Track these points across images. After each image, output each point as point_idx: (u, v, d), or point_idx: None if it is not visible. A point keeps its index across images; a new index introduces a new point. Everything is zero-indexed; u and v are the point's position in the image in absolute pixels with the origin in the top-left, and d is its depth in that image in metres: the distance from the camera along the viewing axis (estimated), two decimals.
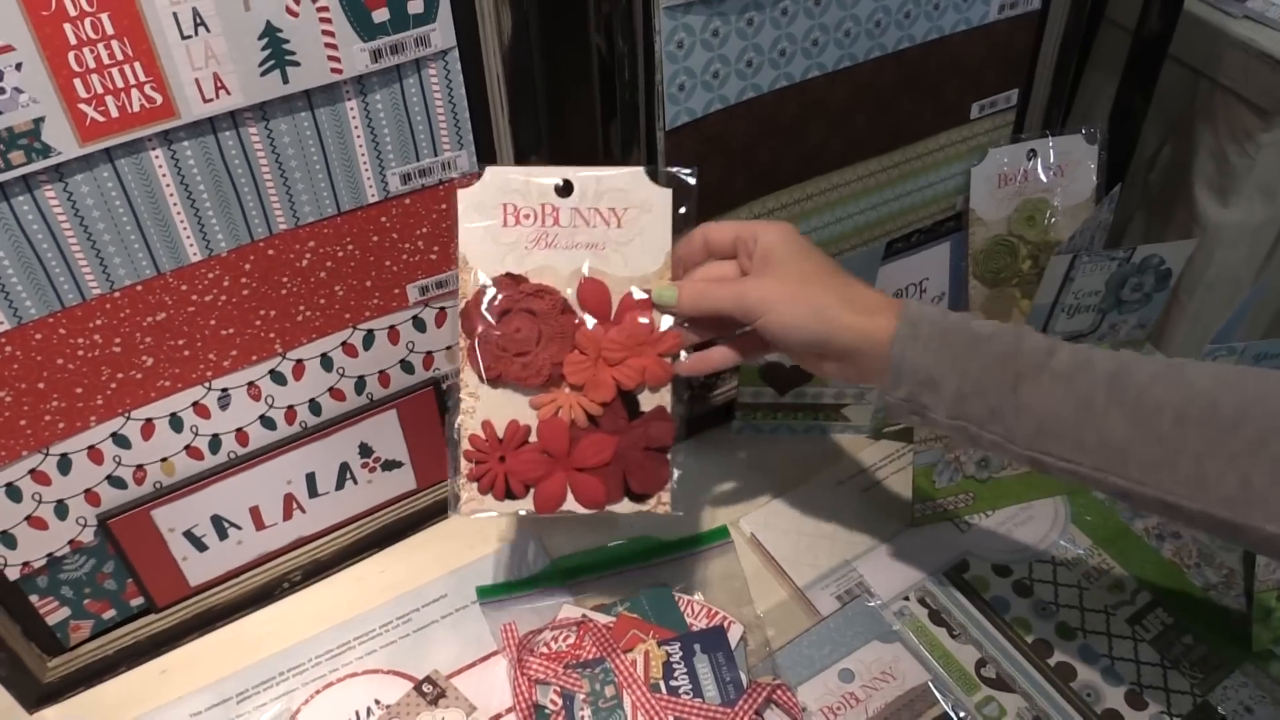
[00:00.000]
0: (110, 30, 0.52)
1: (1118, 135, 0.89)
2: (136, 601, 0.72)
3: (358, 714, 0.68)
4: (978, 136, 0.86)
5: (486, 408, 0.62)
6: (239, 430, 0.69)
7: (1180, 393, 0.53)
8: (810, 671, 0.70)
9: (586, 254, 0.62)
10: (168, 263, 0.61)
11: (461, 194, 0.61)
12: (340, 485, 0.75)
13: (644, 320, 0.62)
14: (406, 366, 0.73)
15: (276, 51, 0.57)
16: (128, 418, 0.64)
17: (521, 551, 0.77)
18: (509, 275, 0.62)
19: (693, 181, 0.62)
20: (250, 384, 0.67)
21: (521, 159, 0.68)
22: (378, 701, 0.68)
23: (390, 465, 0.76)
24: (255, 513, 0.72)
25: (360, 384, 0.72)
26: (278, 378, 0.68)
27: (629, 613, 0.71)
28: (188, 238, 0.60)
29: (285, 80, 0.58)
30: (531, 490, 0.63)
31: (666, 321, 0.62)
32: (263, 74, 0.57)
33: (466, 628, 0.72)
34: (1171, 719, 0.68)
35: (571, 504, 0.63)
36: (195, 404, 0.66)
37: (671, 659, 0.68)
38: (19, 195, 0.54)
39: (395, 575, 0.76)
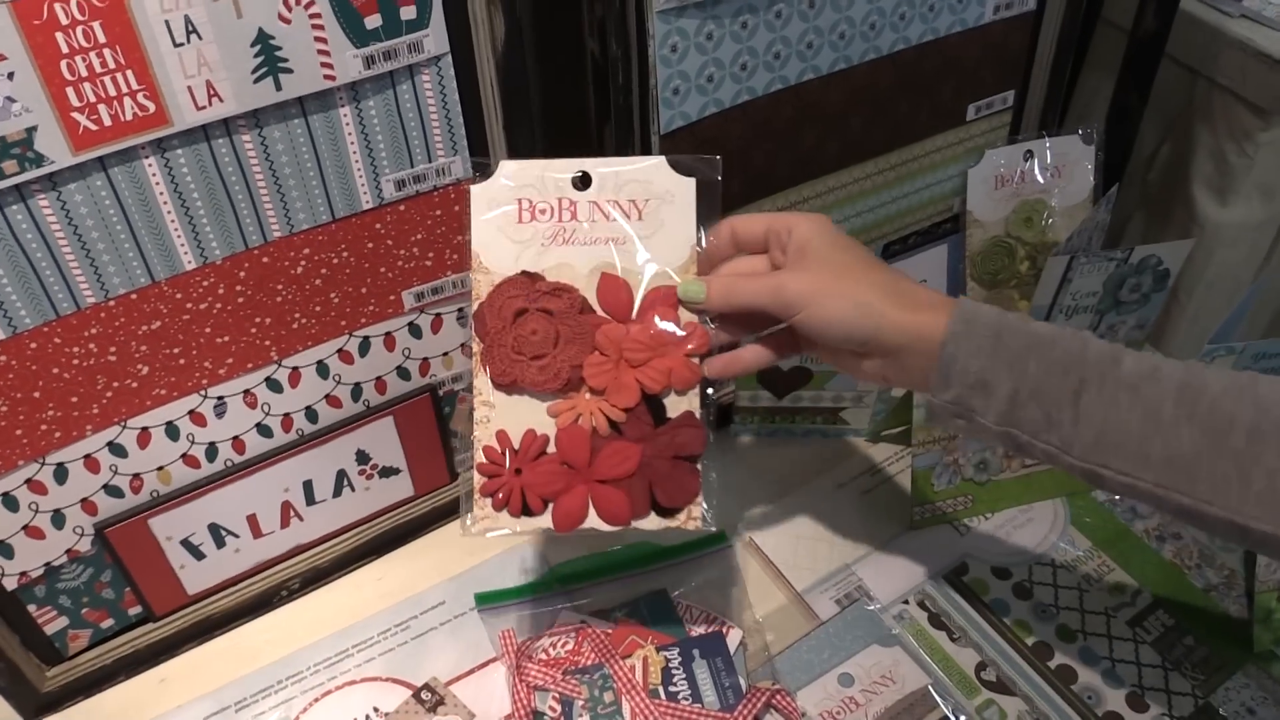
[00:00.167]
0: (102, 38, 0.52)
1: (1115, 135, 0.89)
2: (135, 610, 0.72)
3: None
4: (974, 138, 0.86)
5: (501, 416, 0.59)
6: (235, 438, 0.69)
7: (1253, 406, 0.50)
8: (809, 676, 0.70)
9: (606, 249, 0.59)
10: (162, 271, 0.61)
11: (474, 189, 0.59)
12: (338, 492, 0.75)
13: (669, 319, 0.59)
14: (403, 373, 0.73)
15: (269, 59, 0.57)
16: (124, 426, 0.64)
17: (520, 558, 0.77)
18: (524, 273, 0.59)
19: (718, 177, 0.59)
20: (246, 392, 0.67)
21: None
22: (376, 709, 0.68)
23: (388, 472, 0.76)
24: (253, 521, 0.72)
25: (357, 391, 0.72)
26: (274, 385, 0.68)
27: (627, 618, 0.71)
28: (182, 246, 0.60)
29: (278, 87, 0.58)
30: (550, 505, 0.59)
31: (692, 319, 0.59)
32: (255, 81, 0.57)
33: (465, 634, 0.72)
34: None
35: (593, 520, 0.59)
36: (191, 412, 0.66)
37: (670, 664, 0.68)
38: (12, 205, 0.54)
39: (393, 582, 0.76)
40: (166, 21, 0.53)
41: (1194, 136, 0.95)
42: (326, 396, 0.71)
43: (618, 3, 0.62)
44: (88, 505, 0.65)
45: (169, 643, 0.72)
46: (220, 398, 0.67)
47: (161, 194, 0.58)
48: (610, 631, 0.70)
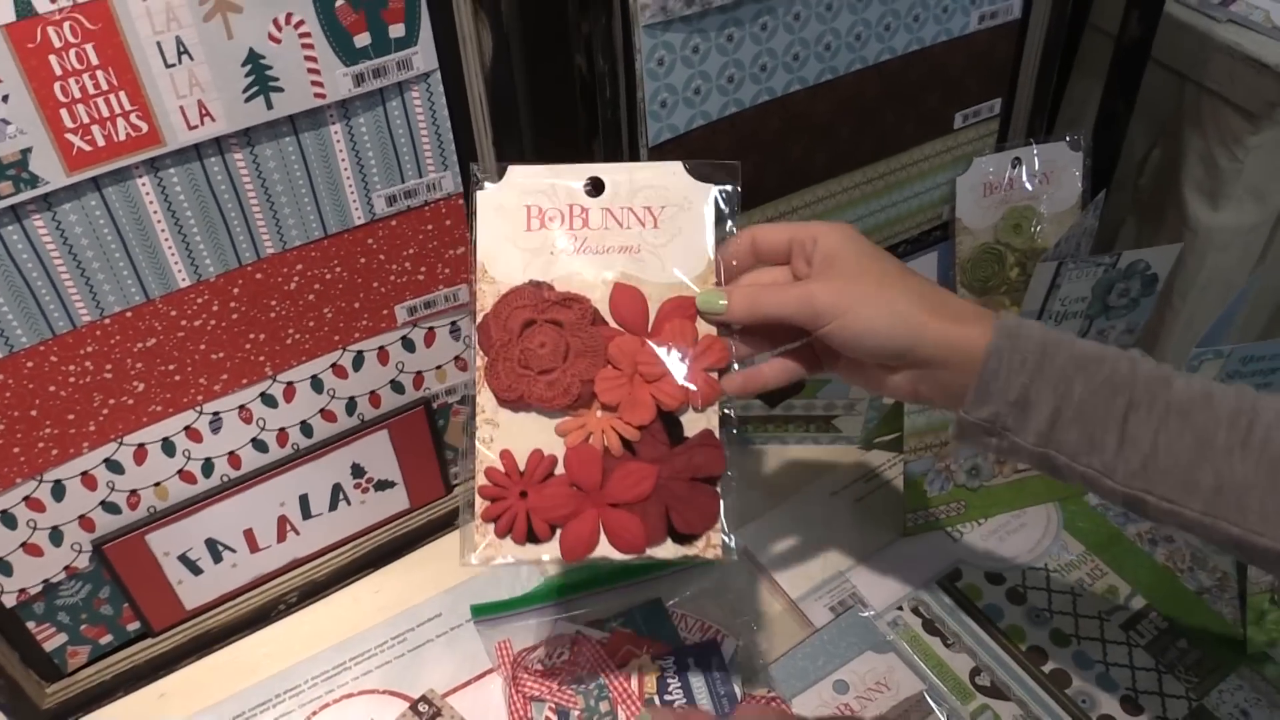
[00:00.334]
0: (95, 61, 0.53)
1: (1102, 141, 0.89)
2: (133, 626, 0.72)
3: None
4: (962, 146, 0.86)
5: (506, 435, 0.55)
6: (231, 453, 0.69)
7: None
8: (804, 683, 0.70)
9: (619, 258, 0.56)
10: (157, 289, 0.61)
11: (480, 196, 0.57)
12: (334, 506, 0.75)
13: (686, 331, 0.56)
14: (397, 387, 0.74)
15: (260, 78, 0.57)
16: (120, 443, 0.65)
17: (515, 569, 0.77)
18: (533, 283, 0.56)
19: (737, 183, 0.57)
20: (241, 407, 0.68)
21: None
22: None
23: (383, 485, 0.77)
24: (249, 535, 0.73)
25: (351, 405, 0.73)
26: (269, 400, 0.69)
27: (622, 628, 0.72)
28: (176, 264, 0.61)
29: (269, 106, 0.58)
30: (558, 532, 0.55)
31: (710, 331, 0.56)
32: (247, 100, 0.58)
33: (461, 646, 0.73)
34: None
35: (605, 548, 0.55)
36: (187, 428, 0.67)
37: (665, 673, 0.68)
38: (8, 225, 0.55)
39: (390, 595, 0.77)
40: (158, 43, 0.54)
41: (1184, 141, 0.95)
42: (321, 411, 0.71)
43: (604, 18, 0.63)
44: (85, 522, 0.66)
45: (167, 658, 0.72)
46: (216, 413, 0.67)
47: (155, 213, 0.59)
48: (605, 641, 0.70)
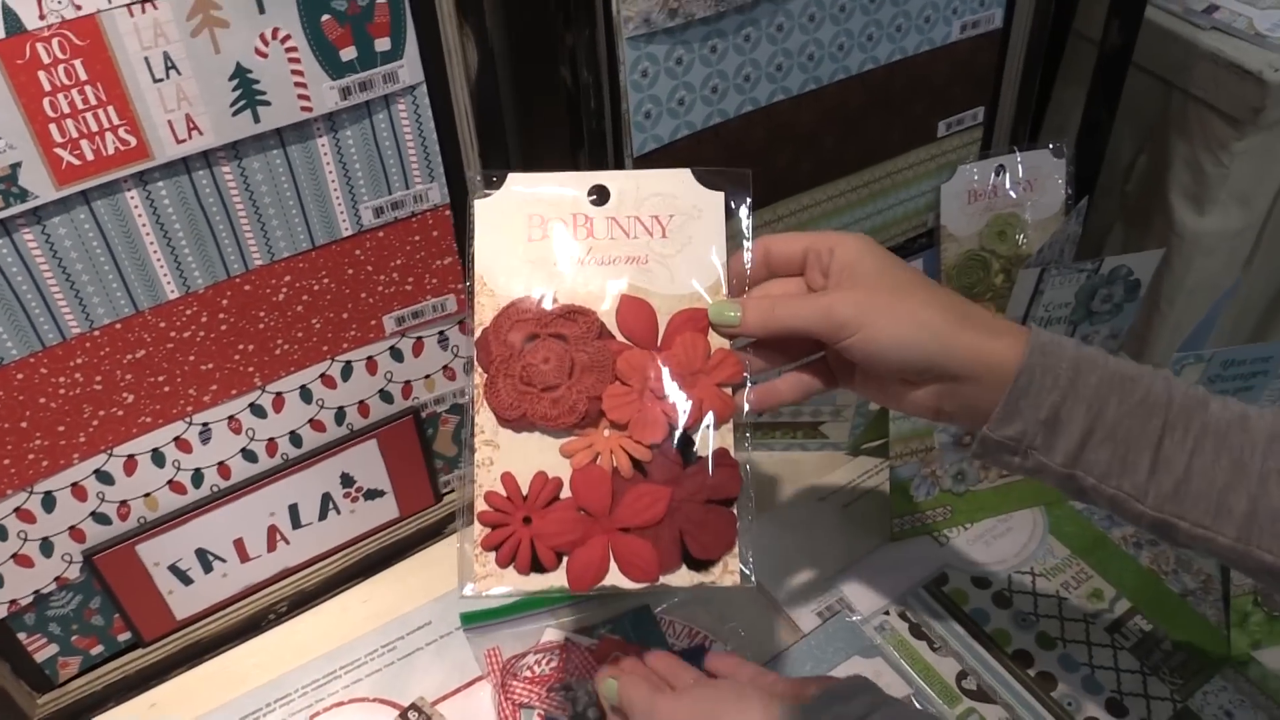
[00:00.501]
0: (84, 76, 0.53)
1: (1085, 148, 0.90)
2: (124, 636, 0.72)
3: None
4: (946, 154, 0.87)
5: (507, 457, 0.52)
6: (221, 464, 0.70)
7: None
8: None
9: (627, 269, 0.54)
10: (146, 301, 0.62)
11: (479, 204, 0.54)
12: (323, 516, 0.76)
13: (698, 345, 0.53)
14: (385, 396, 0.74)
15: (247, 92, 0.58)
16: (110, 454, 0.65)
17: None
18: (535, 296, 0.54)
19: (748, 190, 0.55)
20: (231, 418, 0.68)
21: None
22: None
23: (372, 494, 0.77)
24: (239, 545, 0.73)
25: (340, 415, 0.73)
26: (258, 411, 0.69)
27: (611, 635, 0.72)
28: (165, 276, 0.62)
29: (256, 119, 0.59)
30: (564, 559, 0.52)
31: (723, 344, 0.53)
32: (234, 114, 0.58)
33: (451, 654, 0.73)
34: None
35: (615, 576, 0.52)
36: (177, 439, 0.67)
37: None
38: None
39: (380, 604, 0.77)
40: (146, 58, 0.54)
41: (1170, 147, 0.96)
42: (310, 421, 0.72)
43: (587, 31, 0.63)
44: (76, 533, 0.66)
45: (158, 668, 0.73)
46: (205, 424, 0.68)
47: (144, 225, 0.59)
48: (594, 648, 0.71)
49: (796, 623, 0.75)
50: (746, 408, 0.54)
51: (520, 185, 0.55)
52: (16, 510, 0.63)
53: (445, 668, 0.72)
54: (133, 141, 0.56)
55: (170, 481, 0.68)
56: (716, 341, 0.54)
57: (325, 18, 0.58)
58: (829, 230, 0.57)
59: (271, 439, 0.71)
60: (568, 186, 0.55)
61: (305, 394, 0.71)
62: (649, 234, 0.55)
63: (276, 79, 0.58)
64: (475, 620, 0.74)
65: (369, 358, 0.72)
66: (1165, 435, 0.49)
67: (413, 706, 0.70)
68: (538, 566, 0.52)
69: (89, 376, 0.62)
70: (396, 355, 0.73)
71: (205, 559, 0.72)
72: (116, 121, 0.55)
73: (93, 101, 0.54)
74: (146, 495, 0.68)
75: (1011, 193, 0.88)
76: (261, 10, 0.56)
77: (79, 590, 0.69)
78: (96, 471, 0.65)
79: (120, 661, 0.73)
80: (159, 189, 0.59)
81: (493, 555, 0.52)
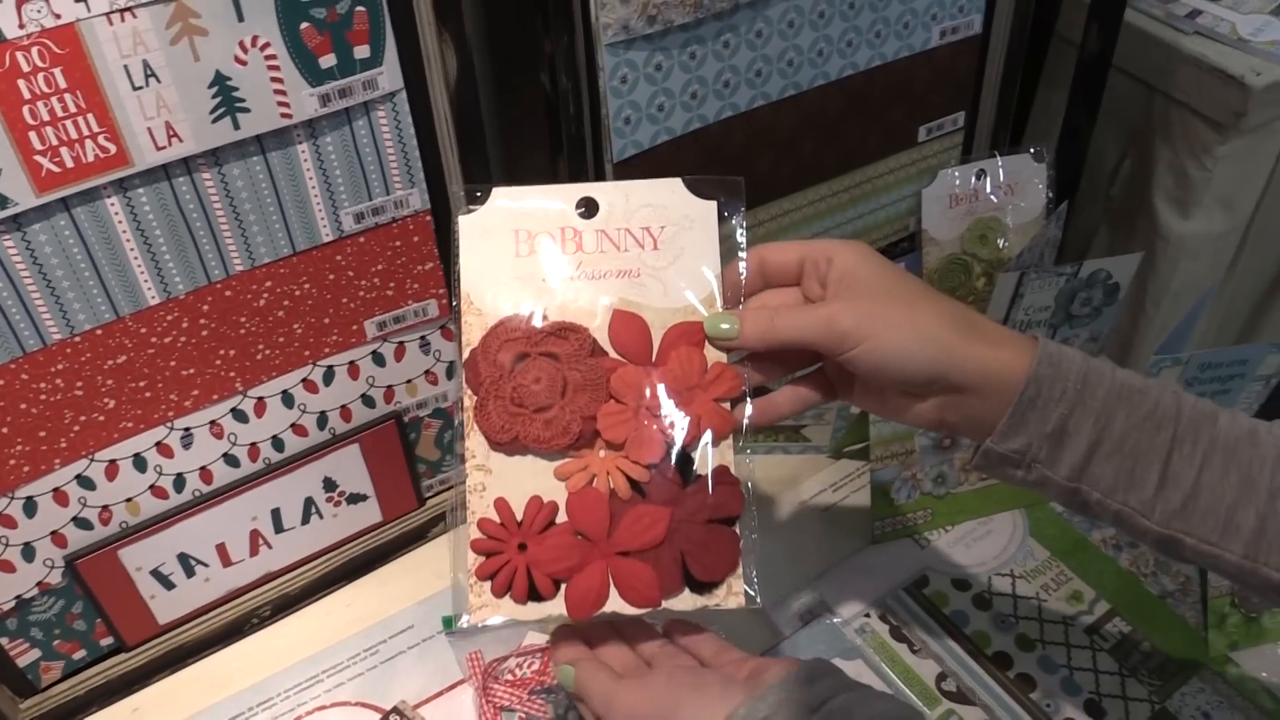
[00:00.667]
0: (63, 84, 0.53)
1: (1066, 153, 0.91)
2: (106, 641, 0.73)
3: None
4: (927, 159, 0.88)
5: (500, 483, 0.51)
6: (203, 469, 0.70)
7: None
8: None
9: (618, 283, 0.53)
10: (126, 306, 0.62)
11: (463, 220, 0.53)
12: (306, 520, 0.76)
13: (694, 359, 0.52)
14: (368, 401, 0.75)
15: (226, 99, 0.58)
16: (91, 459, 0.65)
17: None
18: (524, 314, 0.53)
19: (741, 199, 0.53)
20: (212, 423, 0.69)
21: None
22: None
23: (355, 499, 0.78)
24: (222, 550, 0.73)
25: (322, 419, 0.73)
26: (240, 416, 0.69)
27: None
28: (145, 282, 0.62)
29: (236, 126, 0.59)
30: (562, 587, 0.50)
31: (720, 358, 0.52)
32: (214, 121, 0.58)
33: (433, 658, 0.73)
34: None
35: (616, 602, 0.50)
36: (158, 444, 0.67)
37: None
38: None
39: (363, 608, 0.77)
40: (125, 66, 0.55)
41: (1154, 151, 0.97)
42: (292, 425, 0.72)
43: (566, 37, 0.64)
44: (57, 538, 0.67)
45: (141, 673, 0.73)
46: (187, 429, 0.68)
47: (124, 232, 0.60)
48: None
49: (777, 625, 0.75)
50: (746, 423, 0.53)
51: (505, 200, 0.53)
52: None
53: (427, 671, 0.73)
54: (112, 149, 0.56)
55: (152, 486, 0.69)
56: (713, 355, 0.53)
57: (304, 25, 0.58)
58: (825, 239, 0.56)
59: (253, 444, 0.71)
60: (555, 200, 0.54)
61: (287, 399, 0.71)
62: (640, 246, 0.53)
63: (256, 86, 0.59)
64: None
65: (351, 362, 0.72)
66: (1174, 450, 0.49)
67: (395, 710, 0.70)
68: (535, 595, 0.50)
69: (70, 382, 0.62)
70: (378, 360, 0.73)
71: (188, 563, 0.72)
72: (96, 129, 0.55)
73: (72, 109, 0.54)
74: (128, 500, 0.68)
75: (992, 197, 0.89)
76: (240, 18, 0.56)
77: (61, 595, 0.69)
78: (78, 477, 0.65)
79: (103, 666, 0.73)
80: (139, 196, 0.59)
81: (488, 585, 0.50)
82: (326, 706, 0.71)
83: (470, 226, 0.53)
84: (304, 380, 0.71)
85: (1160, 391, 0.50)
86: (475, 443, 0.51)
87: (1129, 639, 0.74)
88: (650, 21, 0.66)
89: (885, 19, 0.77)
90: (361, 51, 0.61)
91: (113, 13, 0.53)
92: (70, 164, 0.56)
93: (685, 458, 0.52)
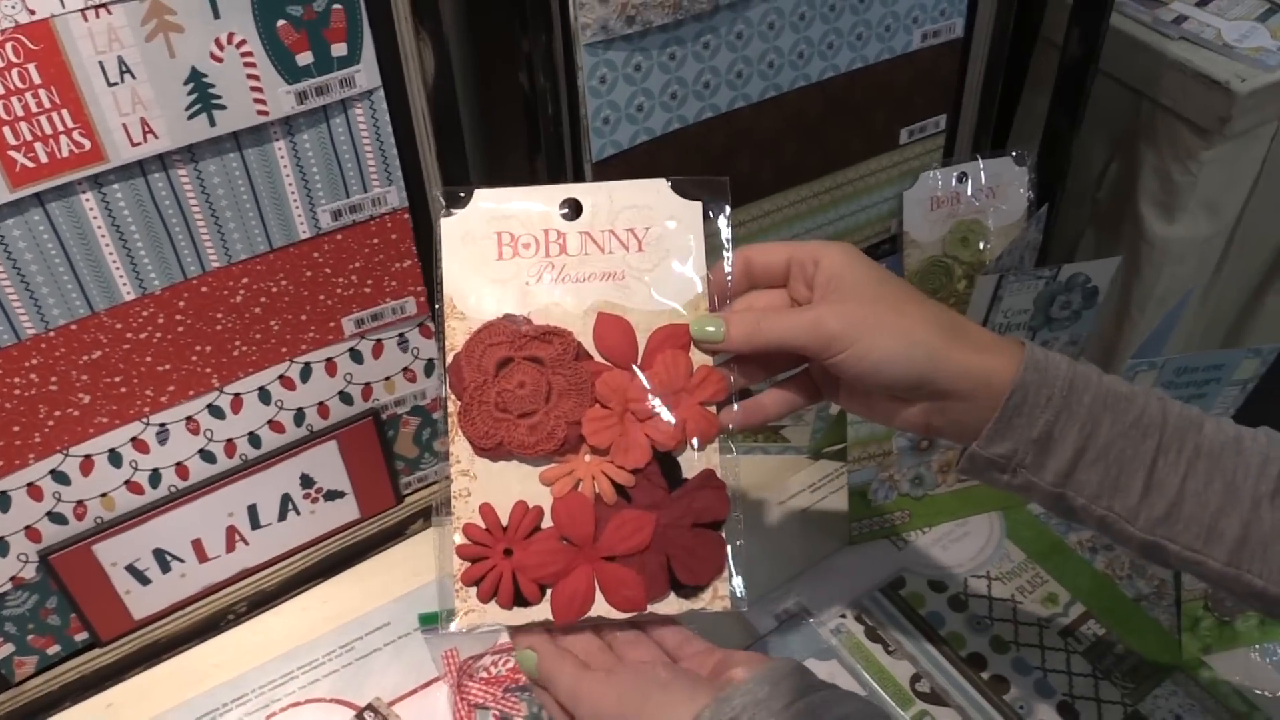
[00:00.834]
0: (37, 80, 0.53)
1: (1048, 156, 0.91)
2: (81, 636, 0.73)
3: None
4: (908, 161, 0.88)
5: (485, 488, 0.51)
6: (179, 464, 0.70)
7: None
8: None
9: (603, 286, 0.52)
10: (101, 302, 0.62)
11: (445, 223, 0.52)
12: (283, 516, 0.76)
13: (680, 363, 0.51)
14: (345, 398, 0.75)
15: (202, 96, 0.58)
16: (66, 454, 0.65)
17: None
18: (508, 317, 0.52)
19: (726, 200, 0.53)
20: (188, 419, 0.69)
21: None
22: None
23: (332, 495, 0.78)
24: (198, 545, 0.73)
25: (299, 416, 0.73)
26: (216, 412, 0.70)
27: None
28: (121, 277, 0.62)
29: (212, 123, 0.59)
30: (548, 592, 0.51)
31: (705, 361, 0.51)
32: (190, 118, 0.58)
33: (409, 655, 0.73)
34: None
35: (601, 607, 0.50)
36: (134, 439, 0.67)
37: None
38: None
39: (340, 605, 0.77)
40: (100, 62, 0.55)
41: (1140, 155, 0.97)
42: (269, 422, 0.72)
43: (544, 37, 0.64)
44: (31, 533, 0.66)
45: (115, 668, 0.73)
46: (163, 425, 0.68)
47: (99, 228, 0.60)
48: None
49: (753, 624, 0.75)
50: (731, 426, 0.53)
51: (487, 202, 0.53)
52: None
53: (403, 668, 0.73)
54: (87, 145, 0.56)
55: (127, 482, 0.69)
56: (698, 358, 0.53)
57: (281, 23, 0.58)
58: (812, 240, 0.55)
59: (230, 440, 0.71)
60: (537, 201, 0.53)
61: (264, 395, 0.71)
62: (625, 248, 0.53)
63: (232, 83, 0.59)
64: (433, 621, 0.74)
65: (328, 359, 0.72)
66: (1159, 457, 0.49)
67: (369, 707, 0.70)
68: (521, 600, 0.51)
69: (44, 377, 0.62)
70: (356, 357, 0.73)
71: (163, 559, 0.72)
72: (71, 125, 0.55)
73: (46, 105, 0.54)
74: (103, 495, 0.68)
75: (974, 200, 0.89)
76: (216, 15, 0.56)
77: (35, 590, 0.69)
78: (52, 472, 0.65)
79: (77, 661, 0.73)
80: (114, 191, 0.59)
81: (474, 591, 0.51)
82: (301, 703, 0.71)
83: (452, 229, 0.53)
84: (281, 377, 0.71)
85: (1146, 398, 0.50)
86: (459, 448, 0.51)
87: (1103, 641, 0.75)
88: (629, 22, 0.66)
89: (866, 22, 0.77)
90: (339, 49, 0.61)
91: (87, 9, 0.53)
92: (44, 160, 0.56)
93: (671, 462, 0.52)
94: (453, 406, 0.52)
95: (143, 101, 0.57)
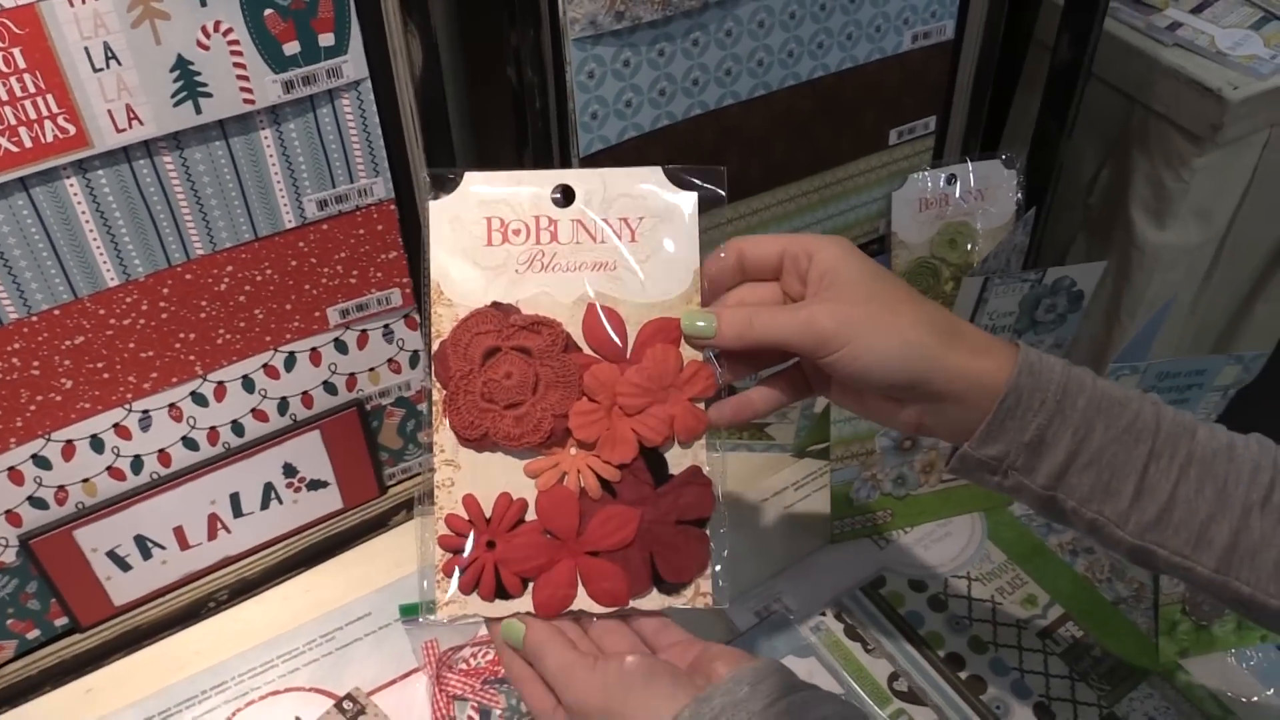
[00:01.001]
0: (22, 64, 0.53)
1: (1037, 159, 0.91)
2: (61, 621, 0.73)
3: None
4: (897, 162, 0.88)
5: (469, 478, 0.50)
6: (161, 451, 0.70)
7: None
8: None
9: (594, 276, 0.52)
10: (85, 288, 0.62)
11: (433, 206, 0.51)
12: (265, 505, 0.76)
13: (670, 357, 0.51)
14: (329, 388, 0.75)
15: (188, 83, 0.58)
16: (48, 439, 0.65)
17: None
18: (496, 305, 0.51)
19: (722, 190, 0.52)
20: (171, 405, 0.69)
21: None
22: (298, 719, 0.69)
23: (315, 485, 0.78)
24: (179, 533, 0.73)
25: (283, 405, 0.73)
26: (199, 399, 0.70)
27: None
28: (104, 263, 0.62)
29: (198, 111, 0.59)
30: (530, 585, 0.50)
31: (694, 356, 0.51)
32: (175, 105, 0.58)
33: (389, 645, 0.74)
34: None
35: (584, 601, 0.50)
36: (116, 425, 0.67)
37: None
38: None
39: (321, 594, 0.77)
40: (86, 48, 0.55)
41: (1132, 161, 0.97)
42: (253, 411, 0.72)
43: (532, 31, 0.64)
44: (12, 517, 0.67)
45: (95, 654, 0.73)
46: (145, 411, 0.68)
47: (83, 213, 0.60)
48: None
49: (734, 621, 0.75)
50: (719, 423, 0.53)
51: (478, 185, 0.52)
52: None
53: (383, 658, 0.73)
54: (72, 130, 0.56)
55: (109, 468, 0.69)
56: (688, 353, 0.52)
57: (268, 12, 0.58)
58: (806, 234, 0.55)
59: (213, 427, 0.71)
60: (529, 186, 0.52)
61: (248, 383, 0.71)
62: (617, 237, 0.52)
63: (218, 71, 0.59)
64: (414, 612, 0.74)
65: (313, 349, 0.72)
66: (1151, 462, 0.49)
67: (348, 696, 0.70)
68: (503, 593, 0.50)
69: (26, 361, 0.62)
70: (340, 347, 0.73)
71: (144, 546, 0.72)
72: (55, 110, 0.55)
73: (31, 89, 0.54)
74: (85, 481, 0.68)
75: (962, 202, 0.89)
76: (203, 3, 0.56)
77: (15, 574, 0.69)
78: (34, 456, 0.65)
79: (57, 646, 0.73)
80: (99, 177, 0.59)
81: (455, 582, 0.50)
82: (280, 691, 0.71)
83: (441, 213, 0.51)
84: (265, 366, 0.71)
85: (1140, 403, 0.50)
86: (444, 437, 0.51)
87: (1081, 643, 0.75)
88: (618, 18, 0.66)
89: (857, 22, 0.77)
90: (326, 39, 0.61)
91: None
92: (29, 144, 0.56)
93: (657, 458, 0.51)
94: (437, 394, 0.51)
95: (128, 88, 0.57)
